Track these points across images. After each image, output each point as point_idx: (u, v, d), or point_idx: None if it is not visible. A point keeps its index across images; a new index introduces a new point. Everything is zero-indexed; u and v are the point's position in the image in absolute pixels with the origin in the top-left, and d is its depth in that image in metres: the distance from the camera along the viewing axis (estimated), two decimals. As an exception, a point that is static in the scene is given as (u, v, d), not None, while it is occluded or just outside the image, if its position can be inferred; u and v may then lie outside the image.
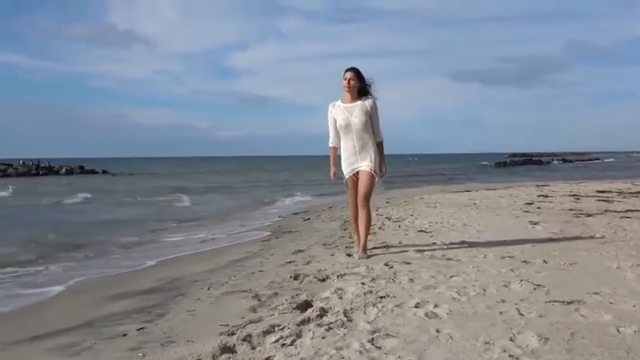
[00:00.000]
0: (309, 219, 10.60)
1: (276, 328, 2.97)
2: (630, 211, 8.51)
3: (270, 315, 3.38)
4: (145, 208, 16.71)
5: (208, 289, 4.67)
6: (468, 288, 3.65)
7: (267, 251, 6.71)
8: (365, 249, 5.12)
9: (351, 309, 3.26)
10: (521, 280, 3.78)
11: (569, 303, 3.21)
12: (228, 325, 3.25)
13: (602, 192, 12.66)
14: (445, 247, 5.48)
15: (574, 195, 11.95)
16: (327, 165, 5.21)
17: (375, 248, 5.47)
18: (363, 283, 3.90)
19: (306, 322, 3.06)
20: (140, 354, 3.01)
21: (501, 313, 3.06)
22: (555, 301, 3.25)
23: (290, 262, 5.38)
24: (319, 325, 2.97)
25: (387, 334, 2.76)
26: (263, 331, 2.93)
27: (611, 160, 72.94)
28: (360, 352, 2.55)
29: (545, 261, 4.52)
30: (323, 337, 2.78)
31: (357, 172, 4.98)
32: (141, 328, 3.66)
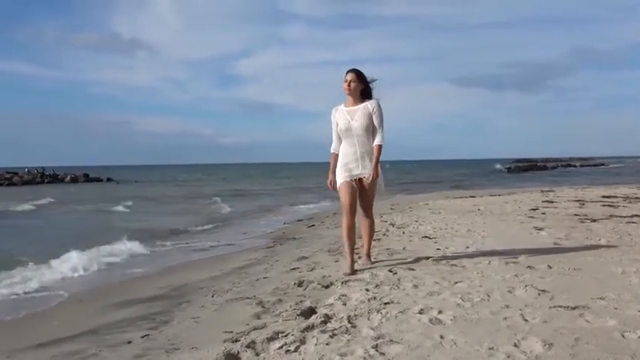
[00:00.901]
0: (313, 225, 10.62)
1: (280, 335, 2.97)
2: (636, 216, 8.47)
3: (274, 322, 3.38)
4: (188, 212, 16.97)
5: (212, 296, 4.68)
6: (472, 294, 3.64)
7: (272, 258, 6.72)
8: (369, 256, 5.03)
9: (355, 315, 3.25)
10: (526, 286, 3.77)
11: (574, 308, 3.20)
12: (232, 331, 3.26)
13: (607, 197, 12.60)
14: (449, 253, 5.47)
15: (579, 200, 11.90)
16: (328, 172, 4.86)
17: (379, 255, 5.46)
18: (367, 290, 3.90)
19: (310, 328, 3.06)
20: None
21: (505, 318, 3.05)
22: (560, 307, 3.24)
23: (294, 268, 5.39)
24: (323, 332, 2.97)
25: (391, 341, 2.76)
26: (267, 338, 2.93)
27: (620, 165, 72.19)
28: (364, 359, 2.54)
29: (549, 266, 4.50)
30: (327, 344, 2.78)
31: (357, 179, 4.71)
32: (145, 336, 3.67)
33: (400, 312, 3.26)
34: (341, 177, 4.73)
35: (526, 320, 3.00)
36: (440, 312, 3.22)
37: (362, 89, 4.69)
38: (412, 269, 4.62)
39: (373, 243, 5.32)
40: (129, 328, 4.05)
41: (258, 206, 18.61)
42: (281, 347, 2.79)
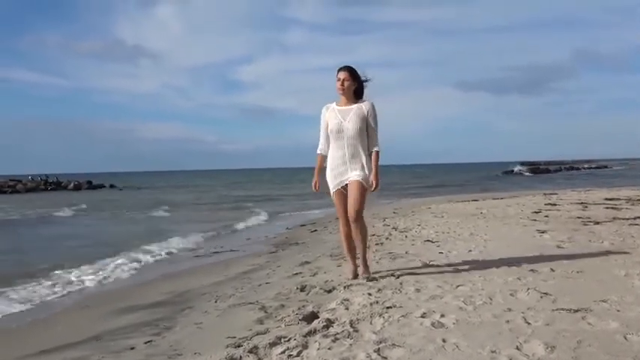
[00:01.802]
0: (315, 230, 10.62)
1: (282, 340, 2.98)
2: (639, 218, 8.46)
3: (277, 326, 3.39)
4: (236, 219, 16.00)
5: (215, 302, 4.68)
6: (474, 297, 3.64)
7: (274, 263, 6.72)
8: (367, 267, 4.63)
9: (358, 319, 3.26)
10: (528, 289, 3.77)
11: (576, 311, 3.20)
12: (235, 337, 3.26)
13: (610, 199, 12.59)
14: (452, 256, 5.47)
15: (582, 203, 11.89)
16: (322, 175, 4.60)
17: (382, 259, 5.47)
18: (369, 294, 3.90)
19: (312, 333, 3.07)
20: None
21: (508, 321, 3.05)
22: (562, 309, 3.24)
23: (297, 273, 5.39)
24: (325, 336, 2.97)
25: (394, 344, 2.76)
26: (269, 343, 2.93)
27: (623, 167, 72.08)
28: (367, 363, 2.55)
29: (552, 269, 4.50)
30: (329, 348, 2.78)
31: (346, 185, 4.39)
32: (148, 342, 3.67)
33: (402, 316, 3.26)
34: (332, 185, 4.48)
35: (528, 323, 3.00)
36: (442, 315, 3.22)
37: (355, 88, 4.40)
38: (414, 273, 4.63)
39: (375, 247, 5.31)
40: (132, 334, 4.06)
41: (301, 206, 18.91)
42: (283, 352, 2.80)
